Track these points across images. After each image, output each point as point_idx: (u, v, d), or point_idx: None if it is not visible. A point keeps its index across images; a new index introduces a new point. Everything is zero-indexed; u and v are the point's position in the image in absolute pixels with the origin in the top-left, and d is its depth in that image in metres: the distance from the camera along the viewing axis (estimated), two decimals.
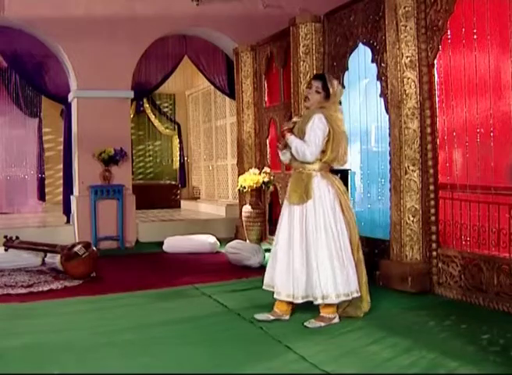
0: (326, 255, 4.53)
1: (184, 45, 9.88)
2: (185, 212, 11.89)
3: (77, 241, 7.94)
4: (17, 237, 7.16)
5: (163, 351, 4.05)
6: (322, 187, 4.64)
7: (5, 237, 7.11)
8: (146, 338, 4.33)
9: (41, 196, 11.49)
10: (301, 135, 4.62)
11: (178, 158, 13.56)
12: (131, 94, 9.14)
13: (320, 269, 4.52)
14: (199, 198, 13.07)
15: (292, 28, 7.44)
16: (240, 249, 7.23)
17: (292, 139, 4.63)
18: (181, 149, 13.50)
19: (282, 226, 4.74)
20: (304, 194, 4.61)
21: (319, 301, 4.55)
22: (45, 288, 6.05)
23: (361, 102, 6.73)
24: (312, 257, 4.55)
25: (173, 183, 13.36)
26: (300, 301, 4.62)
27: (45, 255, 7.10)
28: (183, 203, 12.98)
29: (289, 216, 4.68)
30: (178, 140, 13.53)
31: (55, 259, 6.82)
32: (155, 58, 9.69)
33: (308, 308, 4.72)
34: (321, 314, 4.60)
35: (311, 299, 4.60)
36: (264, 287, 4.85)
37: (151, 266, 7.40)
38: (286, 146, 4.72)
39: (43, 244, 7.03)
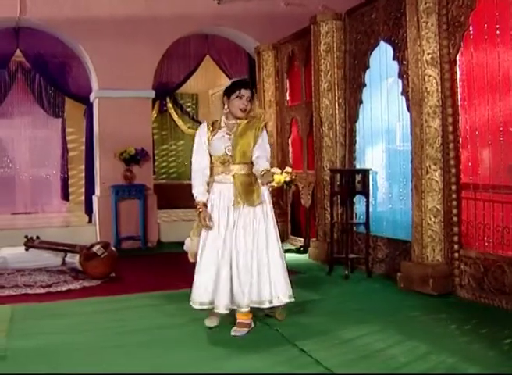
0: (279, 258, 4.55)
1: (206, 44, 9.85)
2: None
3: (99, 240, 7.95)
4: (38, 237, 7.17)
5: (176, 353, 4.00)
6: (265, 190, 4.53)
7: (26, 236, 7.12)
8: (159, 340, 4.28)
9: (65, 196, 11.55)
10: (247, 140, 4.37)
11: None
12: (152, 94, 9.13)
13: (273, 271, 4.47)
14: None
15: (313, 26, 7.35)
16: None
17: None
18: None
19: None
20: (255, 197, 4.41)
21: (271, 304, 4.45)
22: (64, 288, 6.05)
23: (383, 101, 6.61)
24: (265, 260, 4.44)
25: None
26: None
27: (65, 255, 7.11)
28: None
29: (236, 222, 4.40)
30: None
31: (74, 259, 6.83)
32: (177, 58, 9.67)
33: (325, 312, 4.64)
34: (243, 320, 4.41)
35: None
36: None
37: (170, 267, 7.35)
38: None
39: (63, 244, 7.03)
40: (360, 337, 4.26)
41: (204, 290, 4.38)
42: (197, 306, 4.42)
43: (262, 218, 4.44)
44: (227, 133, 4.41)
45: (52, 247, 7.04)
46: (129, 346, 4.17)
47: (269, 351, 3.98)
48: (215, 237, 4.39)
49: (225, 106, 4.41)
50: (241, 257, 4.34)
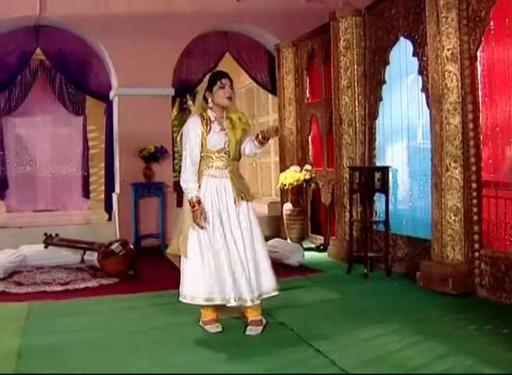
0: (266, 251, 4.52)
1: (226, 42, 9.80)
2: None
3: (120, 238, 7.95)
4: (57, 235, 7.20)
5: (191, 353, 3.98)
6: None
7: (45, 234, 7.16)
8: (175, 339, 4.28)
9: (86, 194, 11.58)
10: (245, 135, 4.46)
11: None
12: (172, 92, 9.14)
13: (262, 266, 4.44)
14: None
15: (332, 22, 7.28)
16: (279, 248, 7.11)
17: None
18: None
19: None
20: (247, 193, 4.46)
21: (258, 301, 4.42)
22: (81, 286, 6.07)
23: (403, 98, 6.52)
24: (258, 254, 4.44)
25: None
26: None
27: (84, 253, 7.12)
28: None
29: (233, 217, 4.39)
30: None
31: (93, 257, 6.84)
32: (197, 55, 9.63)
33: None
34: (254, 318, 4.43)
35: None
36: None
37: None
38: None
39: (81, 241, 7.05)
40: (378, 337, 4.21)
41: (210, 285, 4.30)
42: (203, 302, 4.33)
43: (252, 213, 4.46)
44: (222, 129, 4.38)
45: (71, 244, 7.07)
46: (144, 345, 4.16)
47: (284, 352, 3.94)
48: (213, 232, 4.31)
49: (209, 100, 4.37)
50: (242, 252, 4.31)
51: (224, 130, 4.37)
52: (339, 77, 7.19)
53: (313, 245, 8.39)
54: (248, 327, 4.35)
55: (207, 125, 4.32)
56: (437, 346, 3.95)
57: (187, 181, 4.33)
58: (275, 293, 4.49)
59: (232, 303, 4.29)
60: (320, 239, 8.35)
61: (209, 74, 4.49)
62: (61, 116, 11.51)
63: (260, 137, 4.34)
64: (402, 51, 6.41)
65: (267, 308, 4.98)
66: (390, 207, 6.57)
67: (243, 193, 4.38)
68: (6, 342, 4.22)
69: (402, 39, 6.36)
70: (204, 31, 9.22)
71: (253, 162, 12.46)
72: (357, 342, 4.10)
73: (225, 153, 4.37)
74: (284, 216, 8.58)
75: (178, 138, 4.46)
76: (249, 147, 4.47)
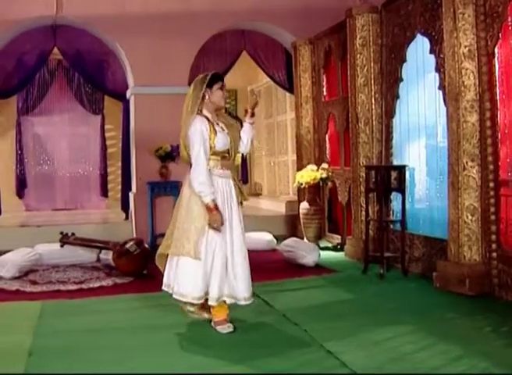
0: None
1: (242, 40, 9.77)
2: (246, 209, 11.73)
3: (135, 237, 7.96)
4: (73, 234, 7.23)
5: (202, 353, 3.94)
6: None
7: (61, 233, 7.18)
8: (186, 339, 4.25)
9: (104, 192, 11.61)
10: (237, 137, 4.51)
11: (240, 154, 13.41)
12: None
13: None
14: (261, 194, 12.96)
15: (348, 20, 7.21)
16: (294, 247, 7.07)
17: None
18: None
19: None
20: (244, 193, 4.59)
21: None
22: (96, 285, 6.07)
23: (420, 96, 6.43)
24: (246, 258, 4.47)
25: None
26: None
27: (100, 252, 7.13)
28: None
29: (233, 219, 4.41)
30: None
31: (108, 256, 6.83)
32: (213, 54, 9.61)
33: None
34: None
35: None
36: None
37: None
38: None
39: (97, 240, 7.06)
40: (391, 339, 4.14)
41: (218, 285, 4.32)
42: (213, 303, 4.32)
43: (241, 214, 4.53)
44: (223, 129, 4.39)
45: (86, 243, 7.08)
46: (156, 345, 4.14)
47: (296, 353, 3.90)
48: (224, 233, 4.35)
49: (207, 96, 4.35)
50: (239, 252, 4.38)
51: (224, 130, 4.38)
52: (355, 75, 7.11)
53: (330, 245, 8.33)
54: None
55: (212, 126, 4.31)
56: (452, 348, 3.88)
57: (204, 184, 4.23)
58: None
59: (242, 302, 4.36)
60: (337, 238, 8.28)
61: (207, 73, 4.45)
62: (79, 115, 11.55)
63: (249, 111, 4.49)
64: (419, 49, 6.33)
65: (281, 308, 4.98)
66: (407, 206, 6.48)
67: (242, 193, 4.49)
68: (18, 341, 4.22)
69: (419, 36, 6.27)
70: (220, 30, 9.19)
71: (271, 160, 12.42)
72: (370, 344, 4.04)
73: (229, 153, 4.39)
74: (301, 215, 8.53)
75: (184, 139, 4.38)
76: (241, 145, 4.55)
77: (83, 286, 6.04)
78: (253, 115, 4.54)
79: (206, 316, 4.54)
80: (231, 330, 4.37)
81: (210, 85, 4.35)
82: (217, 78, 4.40)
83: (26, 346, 4.09)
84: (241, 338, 4.24)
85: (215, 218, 4.22)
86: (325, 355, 3.80)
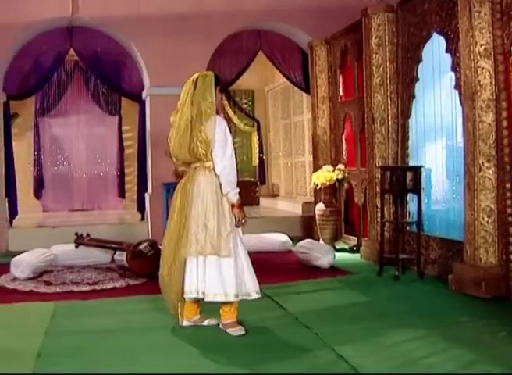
0: None
1: (258, 40, 9.73)
2: (263, 210, 11.77)
3: (149, 238, 7.95)
4: (88, 234, 7.23)
5: (212, 357, 3.88)
6: None
7: (76, 234, 7.19)
8: (197, 342, 4.19)
9: (121, 193, 11.65)
10: None
11: (257, 154, 13.42)
12: None
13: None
14: (278, 195, 12.91)
15: (364, 19, 7.13)
16: (309, 249, 7.00)
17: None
18: (260, 146, 13.37)
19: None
20: None
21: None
22: (109, 286, 6.06)
23: (436, 95, 6.35)
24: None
25: (252, 180, 13.24)
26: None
27: (114, 253, 7.12)
28: (262, 200, 12.85)
29: None
30: (257, 136, 13.40)
31: (123, 257, 6.82)
32: (229, 54, 9.60)
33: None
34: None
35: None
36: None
37: None
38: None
39: (111, 241, 7.06)
40: (403, 343, 4.07)
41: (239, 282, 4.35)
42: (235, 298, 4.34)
43: None
44: None
45: (100, 244, 7.08)
46: (166, 347, 4.11)
47: (306, 356, 3.84)
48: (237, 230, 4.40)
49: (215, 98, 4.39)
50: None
51: None
52: (371, 75, 7.04)
53: (346, 246, 8.26)
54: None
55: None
56: (465, 353, 3.80)
57: (234, 182, 4.31)
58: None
59: (254, 296, 4.40)
60: (353, 240, 8.21)
61: (210, 73, 4.55)
62: (96, 116, 11.61)
63: None
64: (435, 48, 6.24)
65: (294, 310, 4.93)
66: (423, 208, 6.41)
67: None
68: (28, 342, 4.21)
69: (435, 35, 6.19)
70: (235, 30, 9.17)
71: (288, 161, 12.37)
72: (381, 348, 3.98)
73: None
74: (317, 217, 8.47)
75: (208, 136, 4.24)
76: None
77: (96, 287, 6.03)
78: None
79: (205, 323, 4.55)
80: (243, 332, 4.33)
81: (216, 87, 4.41)
82: (219, 82, 4.46)
83: (37, 347, 4.07)
84: (251, 341, 4.19)
85: (243, 214, 4.34)
86: (336, 360, 3.74)
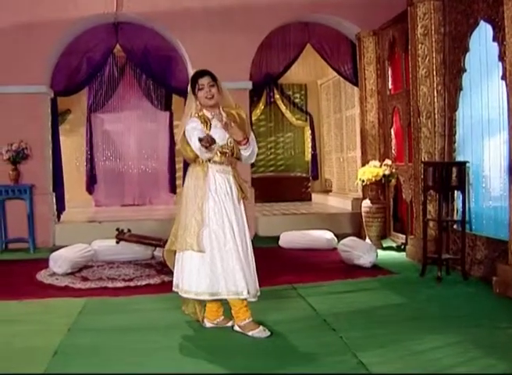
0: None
1: (306, 33, 9.48)
2: (313, 206, 11.57)
3: None
4: (129, 230, 7.21)
5: (233, 361, 3.75)
6: None
7: (117, 229, 7.17)
8: (219, 344, 4.10)
9: (172, 189, 11.64)
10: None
11: (310, 149, 13.20)
12: (249, 85, 8.94)
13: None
14: (331, 191, 12.66)
15: (409, 8, 6.83)
16: (351, 247, 6.78)
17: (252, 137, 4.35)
18: (313, 140, 13.13)
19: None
20: (246, 192, 4.40)
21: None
22: (143, 283, 6.01)
23: (483, 87, 6.01)
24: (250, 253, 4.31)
25: (304, 175, 13.04)
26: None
27: (155, 249, 7.09)
28: (314, 196, 12.65)
29: (233, 214, 4.24)
30: (309, 131, 13.17)
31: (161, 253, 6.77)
32: (276, 48, 9.42)
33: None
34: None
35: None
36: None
37: (260, 262, 6.96)
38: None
39: (150, 237, 7.00)
40: (433, 350, 3.83)
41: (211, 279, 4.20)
42: (208, 297, 4.24)
43: (244, 212, 4.36)
44: (223, 125, 4.21)
45: (140, 240, 7.04)
46: (183, 347, 4.01)
47: (324, 361, 3.67)
48: (224, 228, 4.20)
49: (198, 103, 4.26)
50: (240, 250, 4.21)
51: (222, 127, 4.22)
52: (416, 66, 6.74)
53: (394, 244, 7.99)
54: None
55: (206, 122, 4.22)
56: (497, 364, 3.53)
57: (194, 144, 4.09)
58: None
59: (247, 296, 4.21)
60: (402, 238, 7.92)
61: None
62: (147, 111, 11.64)
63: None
64: (482, 37, 5.91)
65: (323, 312, 4.74)
66: (471, 205, 6.09)
67: (242, 190, 4.32)
68: (49, 338, 4.19)
69: (482, 23, 5.86)
70: (282, 23, 8.97)
71: (340, 156, 12.11)
72: (408, 354, 3.75)
73: (229, 149, 4.25)
74: (363, 214, 8.21)
75: (178, 142, 4.29)
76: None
77: (131, 283, 6.00)
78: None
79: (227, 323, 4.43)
80: (268, 333, 4.19)
81: (193, 91, 4.26)
82: (194, 80, 4.25)
83: (56, 344, 4.06)
84: (270, 344, 4.05)
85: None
86: (355, 366, 3.54)
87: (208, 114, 4.26)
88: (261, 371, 3.58)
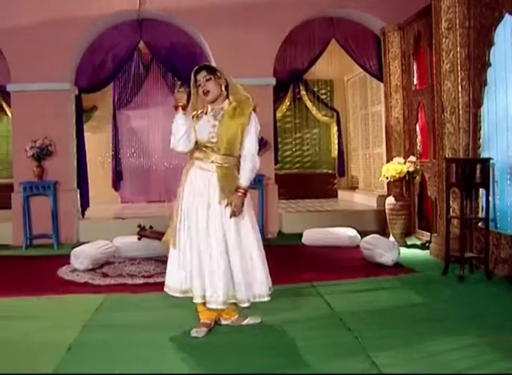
0: (259, 254, 4.18)
1: (331, 28, 9.37)
2: (340, 203, 11.47)
3: None
4: (151, 227, 7.22)
5: (248, 360, 3.71)
6: None
7: (139, 226, 7.19)
8: (232, 343, 4.04)
9: None
10: (233, 130, 4.12)
11: (336, 146, 13.09)
12: (273, 81, 8.87)
13: (257, 267, 4.15)
14: (357, 187, 12.54)
15: (434, 2, 6.70)
16: (373, 245, 6.69)
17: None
18: (339, 137, 13.01)
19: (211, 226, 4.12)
20: (229, 193, 4.13)
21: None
22: (162, 280, 5.93)
23: (509, 82, 5.87)
24: (247, 257, 4.14)
25: (330, 172, 12.93)
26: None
27: None
28: (340, 193, 12.54)
29: (217, 214, 4.10)
30: (336, 127, 13.05)
31: None
32: (300, 43, 9.33)
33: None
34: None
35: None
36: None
37: (281, 260, 6.93)
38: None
39: None
40: (450, 351, 3.74)
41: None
42: (178, 294, 4.30)
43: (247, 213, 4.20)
44: (214, 119, 4.15)
45: (161, 237, 7.00)
46: (194, 346, 3.97)
47: (338, 362, 3.61)
48: (197, 226, 4.13)
49: (198, 99, 4.24)
50: (221, 251, 4.10)
51: (215, 121, 4.15)
52: (440, 61, 6.61)
53: (418, 242, 7.87)
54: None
55: (197, 117, 4.20)
56: None
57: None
58: (265, 299, 4.23)
59: (214, 306, 4.13)
60: (427, 236, 7.80)
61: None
62: (173, 108, 11.60)
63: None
64: (507, 30, 5.77)
65: (340, 311, 4.67)
66: (496, 203, 5.96)
67: (223, 192, 4.10)
68: (64, 334, 4.20)
69: (507, 16, 5.72)
70: (306, 18, 8.89)
71: (366, 153, 11.99)
72: (423, 356, 3.67)
73: (213, 146, 4.14)
74: (387, 211, 8.10)
75: None
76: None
77: (150, 280, 6.00)
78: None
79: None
80: (259, 320, 4.39)
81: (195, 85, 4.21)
82: (193, 76, 4.20)
83: (70, 340, 4.07)
84: (283, 342, 4.01)
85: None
86: (368, 367, 3.47)
87: (208, 108, 4.23)
88: (274, 370, 3.55)
